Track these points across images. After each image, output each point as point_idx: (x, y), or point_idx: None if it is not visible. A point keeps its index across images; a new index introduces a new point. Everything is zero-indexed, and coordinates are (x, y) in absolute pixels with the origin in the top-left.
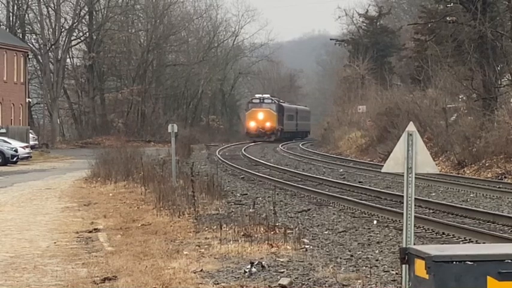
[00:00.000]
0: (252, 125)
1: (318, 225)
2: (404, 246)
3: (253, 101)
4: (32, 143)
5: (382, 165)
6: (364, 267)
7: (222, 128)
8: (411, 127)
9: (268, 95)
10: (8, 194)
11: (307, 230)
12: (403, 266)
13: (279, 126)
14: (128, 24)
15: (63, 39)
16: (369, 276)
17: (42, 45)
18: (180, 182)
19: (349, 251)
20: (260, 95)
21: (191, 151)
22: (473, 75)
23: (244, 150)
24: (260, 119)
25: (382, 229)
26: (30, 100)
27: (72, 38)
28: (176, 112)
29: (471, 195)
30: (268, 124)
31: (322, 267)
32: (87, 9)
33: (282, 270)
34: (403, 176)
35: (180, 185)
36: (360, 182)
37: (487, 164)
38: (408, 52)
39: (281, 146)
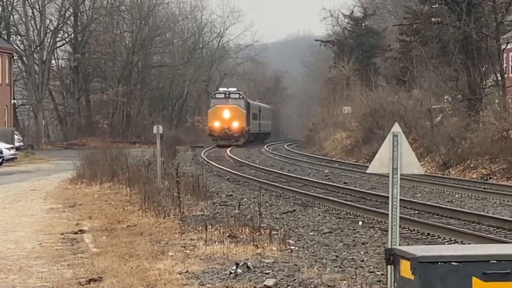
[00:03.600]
0: (216, 125)
1: (303, 226)
2: (389, 247)
3: (217, 95)
4: (17, 144)
5: (368, 166)
6: (349, 268)
7: (207, 129)
8: (396, 128)
9: (235, 89)
10: None
11: (293, 231)
12: (389, 266)
13: (247, 126)
14: (113, 25)
15: (48, 40)
16: (354, 277)
17: (27, 47)
18: (166, 183)
19: (335, 251)
20: (225, 89)
21: (176, 152)
22: (458, 76)
23: (229, 151)
24: (226, 118)
25: (367, 230)
26: (15, 101)
27: (57, 39)
28: (161, 113)
29: (456, 196)
30: (235, 124)
31: (307, 268)
32: (72, 11)
33: (268, 271)
34: (388, 176)
35: (166, 186)
36: (345, 183)
37: (472, 165)
38: (393, 53)
39: (266, 146)
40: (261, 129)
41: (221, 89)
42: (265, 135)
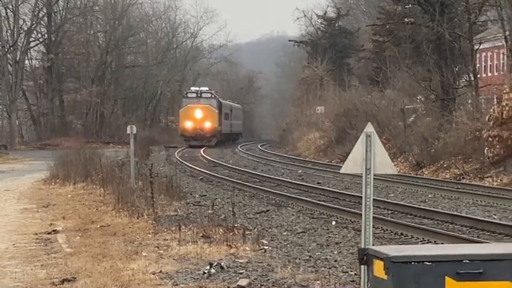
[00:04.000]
0: (188, 125)
1: (277, 226)
2: (363, 247)
3: (189, 95)
4: None
5: (341, 166)
6: (323, 268)
7: (178, 129)
8: (369, 128)
9: (207, 88)
10: None
11: (266, 231)
12: (362, 266)
13: (219, 126)
14: (86, 25)
15: (22, 40)
16: (327, 276)
17: (0, 47)
18: (139, 183)
19: (308, 251)
20: (197, 88)
21: (150, 152)
22: (431, 76)
23: (203, 151)
24: (198, 117)
25: (340, 230)
26: None
27: (30, 40)
28: (135, 113)
29: (429, 195)
30: (208, 124)
31: (281, 268)
32: (45, 11)
33: (241, 271)
34: (361, 177)
35: (139, 186)
36: (318, 183)
37: (445, 165)
38: (366, 53)
39: (239, 147)
40: (233, 129)
41: (193, 89)
42: (236, 136)
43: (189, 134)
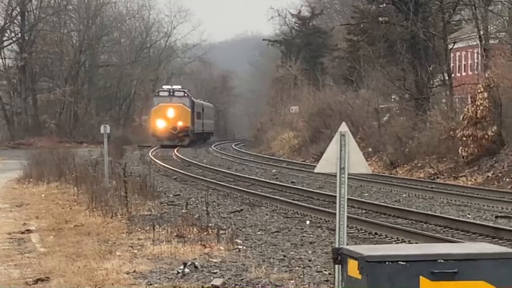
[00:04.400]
0: (160, 124)
1: (251, 226)
2: (337, 246)
3: (161, 93)
4: None
5: (315, 166)
6: (297, 268)
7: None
8: (344, 127)
9: (179, 86)
10: None
11: (240, 230)
12: (336, 266)
13: (192, 126)
14: (60, 24)
15: None
16: (301, 276)
17: None
18: (113, 182)
19: (282, 251)
20: (169, 86)
21: (124, 152)
22: (405, 75)
23: (177, 151)
24: (170, 117)
25: (315, 229)
26: None
27: (4, 39)
28: (109, 113)
29: (404, 195)
30: (180, 124)
31: (255, 267)
32: (19, 10)
33: (215, 271)
34: (335, 176)
35: (113, 185)
36: (292, 183)
37: (419, 164)
38: (341, 52)
39: (213, 146)
40: (204, 129)
41: (165, 87)
42: (208, 135)
43: (161, 134)
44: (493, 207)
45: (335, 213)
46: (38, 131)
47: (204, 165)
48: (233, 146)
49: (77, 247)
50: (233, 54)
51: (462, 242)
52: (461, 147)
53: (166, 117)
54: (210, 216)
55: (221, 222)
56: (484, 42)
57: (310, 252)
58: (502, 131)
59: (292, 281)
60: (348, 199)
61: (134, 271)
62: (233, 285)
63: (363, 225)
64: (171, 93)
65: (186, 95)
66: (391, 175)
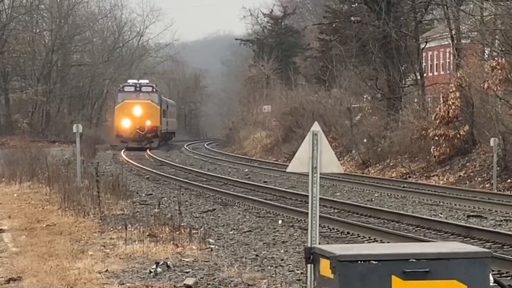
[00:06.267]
0: (125, 124)
1: (223, 225)
2: (309, 245)
3: (126, 89)
4: None
5: (287, 165)
6: (269, 267)
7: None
8: (316, 127)
9: (147, 81)
10: None
11: (213, 230)
12: (308, 265)
13: (161, 125)
14: (32, 24)
15: None
16: (274, 276)
17: None
18: (85, 182)
19: (255, 250)
20: (135, 81)
21: (96, 151)
22: (377, 75)
23: (149, 150)
24: (137, 115)
25: (287, 229)
26: None
27: None
28: (81, 112)
29: (376, 194)
30: (149, 123)
31: (227, 267)
32: None
33: (188, 270)
34: (308, 175)
35: (85, 185)
36: (265, 182)
37: (391, 164)
38: (313, 52)
39: (186, 145)
40: (168, 128)
41: (130, 81)
42: (170, 135)
43: (127, 134)
44: (464, 206)
45: (307, 213)
46: (10, 130)
47: (177, 164)
48: (205, 145)
49: (49, 247)
50: (205, 53)
51: (434, 241)
52: (433, 147)
53: (132, 116)
54: (182, 216)
55: (193, 221)
56: (456, 41)
57: (282, 251)
58: (473, 131)
59: (264, 281)
60: (320, 199)
61: (106, 270)
62: (205, 284)
63: (335, 224)
64: (138, 89)
65: (154, 90)
66: (363, 174)
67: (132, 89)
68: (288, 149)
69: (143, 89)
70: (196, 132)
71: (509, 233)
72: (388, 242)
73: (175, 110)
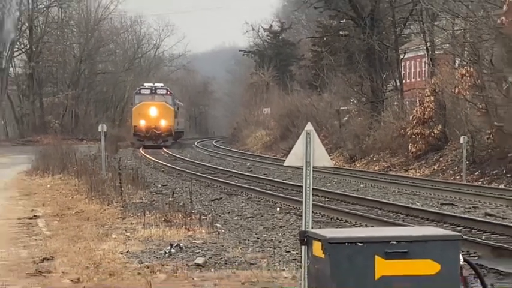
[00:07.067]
0: (142, 124)
1: (229, 212)
2: (303, 229)
3: (143, 91)
4: None
5: (284, 160)
6: (268, 248)
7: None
8: (309, 126)
9: (162, 84)
10: None
11: (219, 216)
12: (303, 247)
13: (175, 125)
14: (63, 37)
15: (7, 50)
16: (273, 256)
17: None
18: (109, 174)
19: (256, 234)
20: (151, 84)
21: (118, 148)
22: (362, 81)
23: (165, 147)
24: (153, 116)
25: (284, 215)
26: None
27: (14, 50)
28: (105, 114)
29: (361, 185)
30: (163, 123)
31: (232, 248)
32: (27, 25)
33: (198, 251)
34: (302, 169)
35: (109, 177)
36: (265, 174)
37: (374, 159)
38: (306, 61)
39: (196, 143)
40: (179, 127)
41: (146, 84)
42: (180, 134)
43: (143, 133)
44: (438, 195)
45: (301, 201)
46: (43, 129)
47: (188, 159)
48: (213, 142)
49: (77, 230)
50: (213, 63)
51: (412, 226)
52: (410, 144)
53: (148, 116)
54: (193, 204)
55: (203, 208)
56: (430, 52)
57: (280, 234)
58: (446, 130)
59: (264, 260)
60: (313, 189)
61: (127, 251)
62: (213, 263)
63: (326, 211)
64: (153, 91)
65: (168, 93)
66: (350, 168)
67: (148, 91)
68: (285, 145)
69: (158, 91)
70: (205, 131)
71: (477, 218)
72: (372, 227)
73: (184, 111)
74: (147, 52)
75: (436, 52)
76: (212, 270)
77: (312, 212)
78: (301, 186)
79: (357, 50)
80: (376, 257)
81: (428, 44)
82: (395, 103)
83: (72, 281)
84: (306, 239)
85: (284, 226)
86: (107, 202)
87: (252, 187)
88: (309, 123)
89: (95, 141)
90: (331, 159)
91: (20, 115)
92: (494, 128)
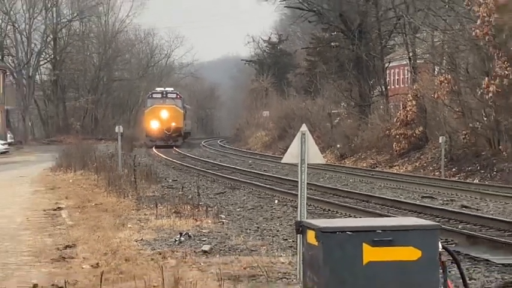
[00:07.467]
0: (153, 125)
1: (232, 204)
2: (299, 220)
3: (154, 95)
4: (9, 140)
5: (282, 157)
6: (267, 237)
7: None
8: (304, 128)
9: (172, 88)
10: None
11: (224, 207)
12: (298, 235)
13: (184, 127)
14: (84, 48)
15: (33, 60)
16: (271, 243)
17: (17, 65)
18: (125, 170)
19: (256, 224)
20: (162, 88)
21: (133, 147)
22: (351, 87)
23: (175, 147)
24: (164, 118)
25: (282, 207)
26: (7, 108)
27: (40, 59)
28: (122, 116)
29: (350, 180)
30: (174, 124)
31: (235, 236)
32: (52, 37)
33: (204, 239)
34: (297, 165)
35: (125, 173)
36: (264, 170)
37: (362, 156)
38: (301, 70)
39: (203, 142)
40: (186, 128)
41: (158, 89)
42: (186, 134)
43: (155, 134)
44: (419, 189)
45: (297, 194)
46: (66, 130)
47: (196, 157)
48: (218, 142)
49: (97, 221)
50: (218, 71)
51: (396, 216)
52: (395, 143)
53: (160, 118)
54: (200, 197)
55: (209, 201)
56: (412, 61)
57: (278, 224)
58: (426, 131)
59: (264, 247)
60: (307, 183)
61: (141, 239)
62: (218, 250)
63: (319, 203)
64: (164, 95)
65: (178, 96)
66: (341, 165)
67: (160, 95)
68: (282, 145)
69: (169, 95)
70: (211, 132)
71: (454, 210)
72: (360, 217)
73: (192, 113)
74: (159, 61)
75: (418, 61)
76: (217, 256)
77: (307, 204)
78: (297, 181)
79: (347, 59)
80: (364, 244)
81: (411, 54)
82: (381, 107)
83: (91, 265)
84: (301, 228)
85: (281, 217)
86: (123, 195)
87: (252, 182)
88: (303, 124)
89: (113, 140)
90: (323, 157)
91: (46, 117)
92: (469, 129)
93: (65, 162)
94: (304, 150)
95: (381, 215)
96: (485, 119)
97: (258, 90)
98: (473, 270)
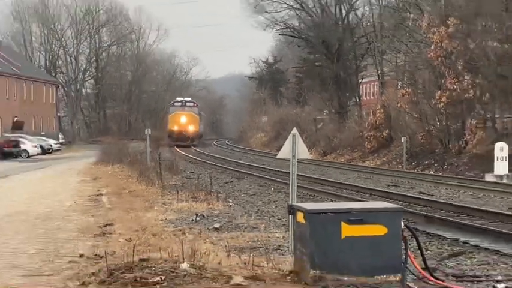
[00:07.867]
0: (175, 128)
1: (238, 191)
2: (290, 203)
3: (175, 104)
4: (61, 140)
5: (277, 154)
6: (266, 217)
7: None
8: (294, 131)
9: (190, 98)
10: (46, 172)
11: (231, 193)
12: (290, 216)
13: (200, 130)
14: (120, 67)
15: (80, 77)
16: (269, 222)
17: (67, 81)
18: (152, 164)
19: (257, 206)
20: (182, 98)
21: (159, 146)
22: (332, 98)
23: (192, 145)
24: (183, 122)
25: (277, 193)
26: (59, 114)
27: (85, 76)
28: (150, 121)
29: (331, 172)
30: (191, 128)
31: (240, 216)
32: (95, 58)
33: (215, 219)
34: (289, 160)
35: (152, 166)
36: (263, 164)
37: (340, 153)
38: (292, 84)
39: (215, 142)
40: (201, 131)
41: (178, 98)
42: (201, 136)
43: (176, 135)
44: (386, 179)
45: (289, 183)
46: (106, 132)
47: (209, 154)
48: (226, 142)
49: (130, 204)
50: (226, 85)
51: (367, 201)
52: (366, 142)
53: (179, 123)
54: (212, 185)
55: (219, 188)
56: (380, 78)
57: (274, 207)
58: (391, 133)
59: (263, 225)
60: (297, 174)
61: (166, 218)
62: (227, 227)
63: (307, 190)
64: (184, 103)
65: (195, 105)
66: (323, 160)
67: (180, 103)
68: (277, 144)
69: (187, 104)
70: (220, 133)
71: (414, 195)
72: (339, 201)
73: (204, 118)
74: (179, 77)
75: (385, 78)
76: (226, 232)
77: (296, 191)
78: (289, 173)
79: (328, 76)
80: (342, 223)
81: (379, 72)
82: (356, 114)
83: (126, 239)
84: (292, 210)
85: (277, 201)
86: (151, 184)
87: (253, 173)
88: (294, 128)
89: (142, 140)
90: (309, 153)
91: (89, 122)
92: (426, 131)
93: (104, 158)
94: (294, 148)
95: (355, 200)
96: (438, 123)
97: (258, 100)
98: (429, 244)
